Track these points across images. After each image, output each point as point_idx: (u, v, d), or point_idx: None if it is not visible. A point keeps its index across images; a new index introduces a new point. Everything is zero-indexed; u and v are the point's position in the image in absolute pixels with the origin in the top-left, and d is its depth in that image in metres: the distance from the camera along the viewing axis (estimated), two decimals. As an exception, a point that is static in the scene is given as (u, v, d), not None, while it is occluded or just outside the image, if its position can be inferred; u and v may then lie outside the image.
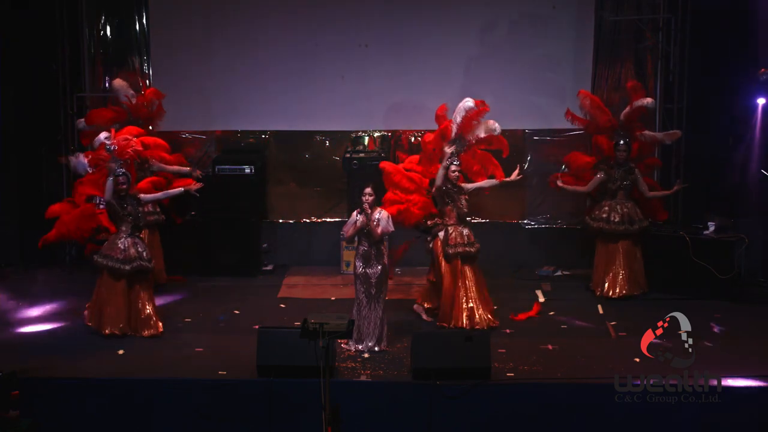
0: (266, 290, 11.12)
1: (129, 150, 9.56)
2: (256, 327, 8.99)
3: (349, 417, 7.22)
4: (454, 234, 9.59)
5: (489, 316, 9.64)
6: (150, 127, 11.35)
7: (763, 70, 10.76)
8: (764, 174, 10.96)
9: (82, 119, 11.38)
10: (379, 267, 8.93)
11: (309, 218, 12.54)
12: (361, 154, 11.94)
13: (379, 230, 8.80)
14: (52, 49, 12.02)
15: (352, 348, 8.86)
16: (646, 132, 10.89)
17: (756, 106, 10.99)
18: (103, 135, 9.64)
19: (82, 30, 12.21)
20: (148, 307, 9.41)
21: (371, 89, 11.99)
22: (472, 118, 9.71)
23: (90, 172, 9.58)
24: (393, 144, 12.50)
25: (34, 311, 10.13)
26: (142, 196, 9.61)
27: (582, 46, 11.85)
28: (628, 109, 10.73)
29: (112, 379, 8.13)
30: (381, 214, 8.89)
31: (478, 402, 7.90)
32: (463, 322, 9.47)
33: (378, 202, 9.06)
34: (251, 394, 7.97)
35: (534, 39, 11.80)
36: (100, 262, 9.37)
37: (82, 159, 9.56)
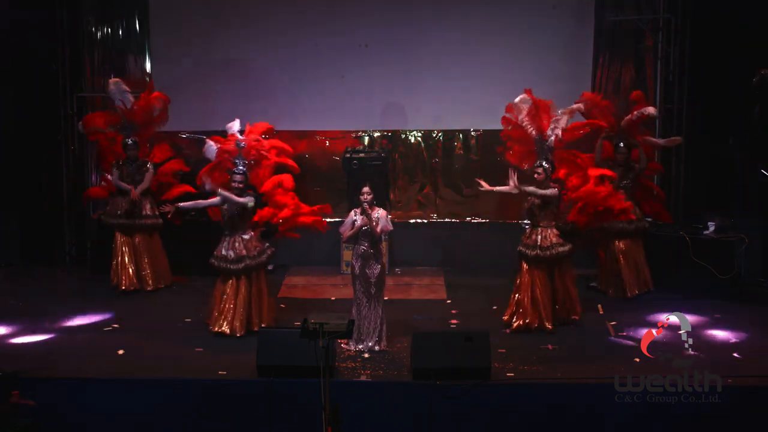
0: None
1: (255, 152, 9.55)
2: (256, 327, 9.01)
3: (349, 417, 7.22)
4: (531, 235, 9.57)
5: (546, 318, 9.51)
6: (148, 131, 11.31)
7: (762, 70, 10.76)
8: (764, 174, 10.96)
9: (81, 123, 11.39)
10: (378, 266, 8.93)
11: (309, 218, 12.52)
12: (361, 154, 11.94)
13: (378, 229, 8.80)
14: (52, 49, 12.03)
15: (352, 348, 8.86)
16: (648, 138, 10.90)
17: (755, 106, 10.98)
18: (235, 125, 9.67)
19: (82, 30, 12.22)
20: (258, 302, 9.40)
21: (371, 89, 12.00)
22: (539, 113, 9.60)
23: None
24: (393, 144, 12.52)
25: (35, 311, 10.13)
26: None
27: (582, 46, 11.86)
28: (630, 117, 10.74)
29: (112, 379, 8.13)
30: (380, 213, 8.89)
31: (478, 402, 7.90)
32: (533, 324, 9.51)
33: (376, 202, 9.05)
34: (251, 394, 7.97)
35: (534, 39, 11.81)
36: (212, 264, 9.45)
37: (213, 145, 9.64)
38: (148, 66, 12.25)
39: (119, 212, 10.95)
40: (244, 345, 8.68)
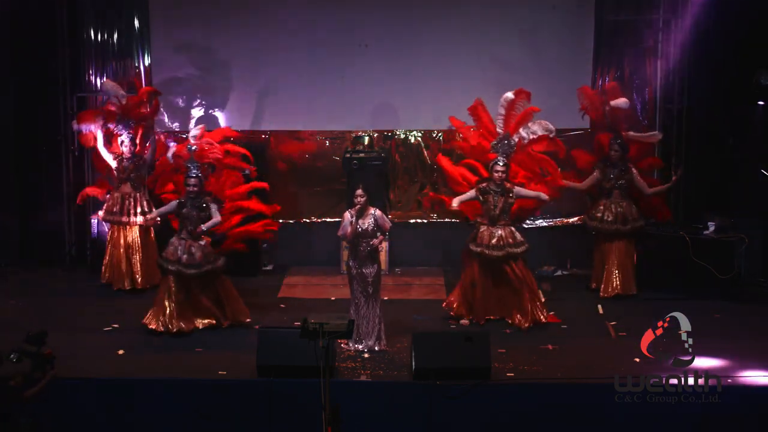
0: (266, 290, 11.12)
1: (209, 155, 9.56)
2: (256, 327, 9.00)
3: (349, 417, 7.21)
4: (483, 234, 9.56)
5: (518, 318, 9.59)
6: (145, 127, 11.32)
7: (762, 69, 10.76)
8: (764, 174, 10.96)
9: (75, 121, 11.38)
10: (375, 266, 8.94)
11: (309, 218, 12.54)
12: (361, 154, 11.93)
13: (387, 226, 8.88)
14: (52, 49, 12.02)
15: (352, 348, 8.86)
16: (632, 133, 10.90)
17: (755, 105, 10.98)
18: (193, 130, 9.74)
19: (82, 30, 12.20)
20: (206, 303, 9.48)
21: (371, 89, 11.98)
22: (523, 117, 9.72)
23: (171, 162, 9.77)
24: (393, 144, 12.51)
25: (35, 311, 10.13)
26: (212, 207, 9.48)
27: (582, 46, 11.84)
28: (606, 110, 10.75)
29: (112, 379, 8.13)
30: (376, 213, 8.90)
31: (478, 402, 7.90)
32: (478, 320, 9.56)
33: (371, 203, 9.04)
34: (251, 394, 7.97)
35: (533, 39, 11.79)
36: (159, 264, 9.54)
37: (171, 150, 9.87)
38: (147, 66, 12.23)
39: (116, 209, 10.97)
40: (244, 345, 8.67)
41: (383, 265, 11.56)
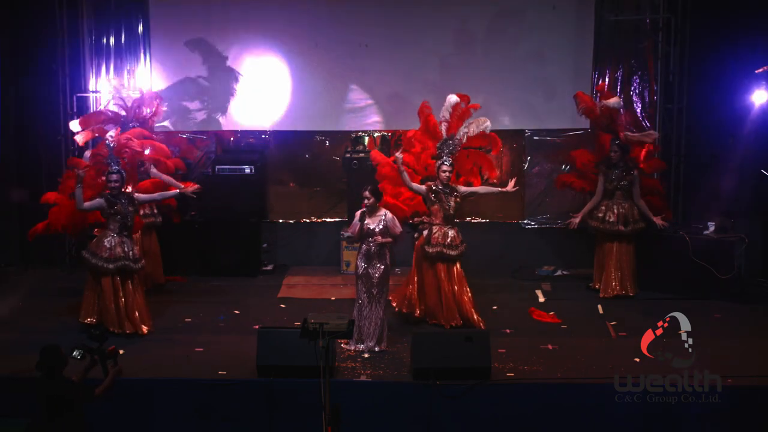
0: (266, 290, 11.12)
1: (127, 149, 9.56)
2: (256, 327, 9.00)
3: (349, 417, 7.22)
4: (437, 234, 9.57)
5: (459, 317, 9.53)
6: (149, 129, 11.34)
7: (761, 69, 10.76)
8: (764, 174, 10.96)
9: (76, 121, 11.35)
10: (382, 267, 8.93)
11: (309, 218, 12.54)
12: (361, 154, 11.93)
13: (380, 239, 8.83)
14: (52, 49, 12.02)
15: (352, 348, 8.86)
16: (628, 133, 10.90)
17: (755, 105, 10.98)
18: (111, 130, 9.71)
19: (82, 30, 12.20)
20: (133, 306, 9.37)
21: (371, 89, 11.98)
22: (462, 116, 9.75)
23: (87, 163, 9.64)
24: (393, 144, 12.50)
25: (35, 311, 10.13)
26: (137, 195, 9.60)
27: (582, 46, 11.84)
28: (599, 112, 10.76)
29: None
30: (387, 216, 8.90)
31: (478, 402, 7.91)
32: (440, 321, 9.54)
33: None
34: (251, 394, 7.97)
35: (534, 39, 11.78)
36: (86, 259, 9.37)
37: (87, 152, 9.86)
38: (148, 66, 12.22)
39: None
40: (244, 345, 8.67)
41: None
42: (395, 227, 8.94)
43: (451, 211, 9.59)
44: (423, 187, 9.61)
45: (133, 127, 11.01)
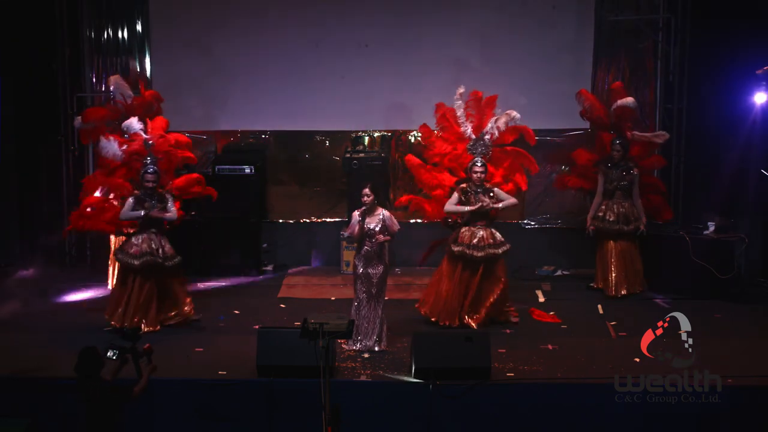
0: (266, 290, 11.12)
1: (166, 147, 9.55)
2: (256, 327, 9.01)
3: (349, 417, 7.22)
4: (465, 234, 9.54)
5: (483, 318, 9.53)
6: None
7: (762, 69, 10.75)
8: (764, 174, 10.95)
9: (79, 117, 11.36)
10: (381, 267, 8.93)
11: (309, 218, 12.54)
12: (361, 154, 11.94)
13: (381, 237, 8.81)
14: (52, 49, 12.02)
15: (352, 348, 8.86)
16: (636, 132, 10.89)
17: (755, 105, 10.97)
18: (134, 123, 9.61)
19: (82, 30, 12.20)
20: (162, 299, 9.45)
21: (371, 89, 11.98)
22: (484, 110, 9.70)
23: (118, 159, 9.61)
24: (393, 144, 12.51)
25: (35, 311, 10.13)
26: (169, 197, 9.50)
27: (582, 46, 11.86)
28: (611, 110, 10.75)
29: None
30: (384, 214, 8.90)
31: (478, 402, 7.90)
32: (455, 323, 9.49)
33: (380, 203, 9.03)
34: (251, 394, 7.97)
35: (534, 39, 11.80)
36: (117, 257, 9.52)
37: (114, 143, 9.59)
38: (148, 66, 12.24)
39: None
40: (244, 345, 8.67)
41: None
42: (393, 225, 8.94)
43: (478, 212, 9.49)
44: (455, 194, 9.57)
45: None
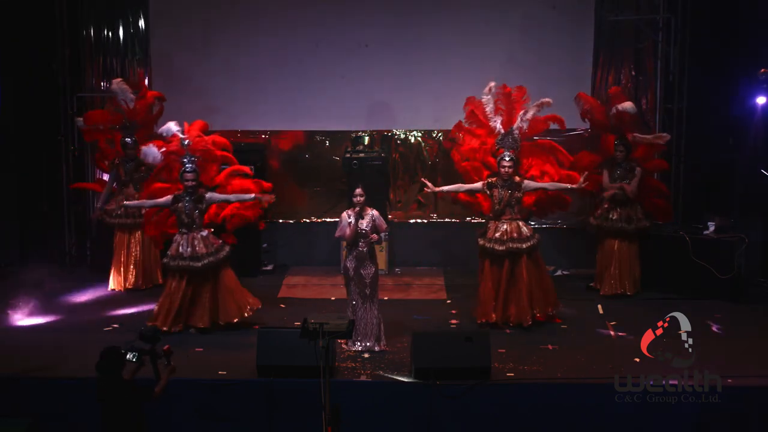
0: (266, 290, 11.11)
1: (203, 146, 9.54)
2: (256, 327, 9.00)
3: (349, 417, 7.22)
4: (491, 229, 9.54)
5: (521, 315, 9.50)
6: (147, 130, 11.33)
7: (763, 70, 10.76)
8: (764, 174, 10.96)
9: (80, 118, 11.37)
10: (372, 267, 8.93)
11: (309, 218, 12.55)
12: (361, 154, 11.94)
13: (373, 236, 8.81)
14: (52, 49, 12.02)
15: (352, 348, 8.86)
16: (638, 135, 10.89)
17: (756, 105, 10.98)
18: (172, 126, 9.61)
19: (82, 30, 12.21)
20: (199, 302, 9.42)
21: (371, 89, 11.99)
22: (513, 104, 9.67)
23: (158, 162, 9.61)
24: (393, 144, 12.52)
25: (34, 311, 10.12)
26: (210, 195, 9.47)
27: (582, 46, 11.86)
28: (611, 114, 10.75)
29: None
30: (373, 213, 8.90)
31: (478, 402, 7.90)
32: (491, 319, 9.50)
33: (372, 203, 9.04)
34: (251, 394, 7.97)
35: (534, 39, 11.80)
36: (163, 263, 9.57)
37: (154, 148, 9.60)
38: (148, 66, 12.24)
39: (120, 211, 10.98)
40: (244, 345, 8.67)
41: (383, 266, 11.60)
42: (382, 224, 8.95)
43: (501, 206, 9.49)
44: (478, 183, 9.61)
45: (134, 127, 11.03)
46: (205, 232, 9.47)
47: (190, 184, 9.33)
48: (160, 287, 10.93)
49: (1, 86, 11.88)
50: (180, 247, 9.38)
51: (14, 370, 8.30)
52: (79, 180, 12.11)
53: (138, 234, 11.05)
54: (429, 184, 9.68)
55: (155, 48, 12.12)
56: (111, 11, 12.30)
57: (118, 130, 11.07)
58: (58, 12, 12.01)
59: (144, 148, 9.72)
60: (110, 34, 12.32)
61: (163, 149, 9.56)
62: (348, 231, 8.84)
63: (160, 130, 9.82)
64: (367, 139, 12.50)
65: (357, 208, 8.84)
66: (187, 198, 9.37)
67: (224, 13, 11.98)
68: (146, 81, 12.20)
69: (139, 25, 12.27)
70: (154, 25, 12.07)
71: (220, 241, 9.57)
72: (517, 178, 9.52)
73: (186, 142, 9.41)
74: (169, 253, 9.44)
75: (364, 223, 8.86)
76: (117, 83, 11.18)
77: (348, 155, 11.93)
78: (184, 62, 11.99)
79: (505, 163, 9.46)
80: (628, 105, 10.73)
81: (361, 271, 8.90)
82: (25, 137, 12.10)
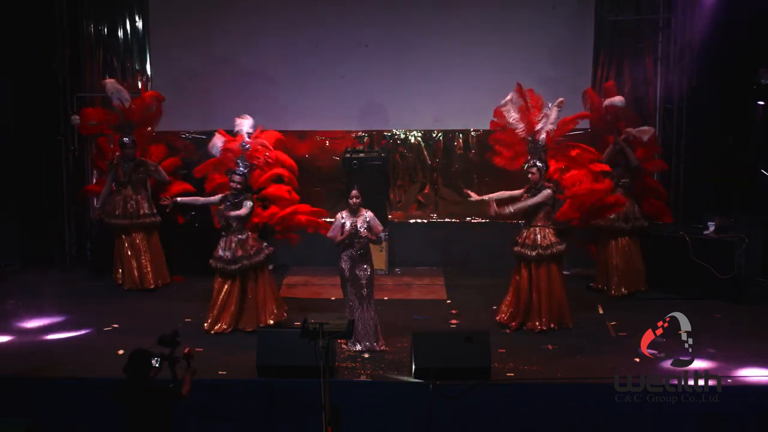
0: (266, 290, 11.11)
1: (260, 156, 9.51)
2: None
3: (349, 417, 7.22)
4: (524, 234, 9.53)
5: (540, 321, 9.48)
6: (149, 129, 11.34)
7: (764, 70, 10.77)
8: (764, 174, 10.96)
9: (76, 116, 11.36)
10: (368, 267, 8.93)
11: (309, 218, 12.52)
12: (361, 154, 11.94)
13: (369, 235, 8.81)
14: (52, 49, 12.03)
15: (352, 348, 8.85)
16: (630, 130, 10.88)
17: (755, 106, 10.98)
18: (246, 124, 9.62)
19: (82, 30, 12.21)
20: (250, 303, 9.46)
21: (371, 89, 12.00)
22: (527, 111, 9.60)
23: (217, 154, 9.63)
24: (393, 144, 12.52)
25: (34, 311, 10.12)
26: (248, 204, 9.43)
27: (582, 46, 11.86)
28: (604, 110, 10.75)
29: (112, 378, 8.10)
30: (368, 215, 8.90)
31: (478, 402, 7.90)
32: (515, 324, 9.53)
33: (369, 203, 9.04)
34: (251, 394, 7.97)
35: (534, 39, 11.81)
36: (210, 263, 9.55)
37: (219, 140, 9.63)
38: (148, 66, 12.24)
39: (118, 212, 10.98)
40: (244, 345, 8.67)
41: (383, 266, 11.61)
42: (377, 225, 8.95)
43: (530, 211, 9.46)
44: (520, 190, 9.56)
45: (132, 126, 11.03)
46: (244, 235, 9.45)
47: (235, 186, 9.32)
48: (169, 286, 11.01)
49: (1, 86, 11.89)
50: (220, 249, 9.43)
51: (14, 370, 8.30)
52: (79, 180, 12.13)
53: (140, 234, 11.04)
54: (473, 194, 9.64)
55: (155, 47, 12.12)
56: (111, 11, 12.31)
57: (115, 129, 11.07)
58: (58, 12, 12.02)
59: (214, 139, 9.69)
60: (110, 33, 12.32)
61: (224, 145, 9.56)
62: (338, 233, 8.84)
63: (235, 123, 9.77)
64: (367, 139, 12.49)
65: (351, 209, 8.83)
66: (228, 202, 9.35)
67: (224, 13, 11.98)
68: (145, 81, 12.20)
69: (139, 25, 12.27)
70: (154, 25, 12.08)
71: (263, 244, 9.57)
72: (548, 185, 9.46)
73: (246, 146, 9.40)
74: (214, 254, 9.49)
75: (358, 225, 8.85)
76: (111, 83, 11.17)
77: (348, 155, 11.93)
78: (184, 62, 11.99)
79: (530, 170, 9.44)
80: (616, 99, 10.74)
81: (357, 272, 8.90)
82: (25, 137, 12.11)
